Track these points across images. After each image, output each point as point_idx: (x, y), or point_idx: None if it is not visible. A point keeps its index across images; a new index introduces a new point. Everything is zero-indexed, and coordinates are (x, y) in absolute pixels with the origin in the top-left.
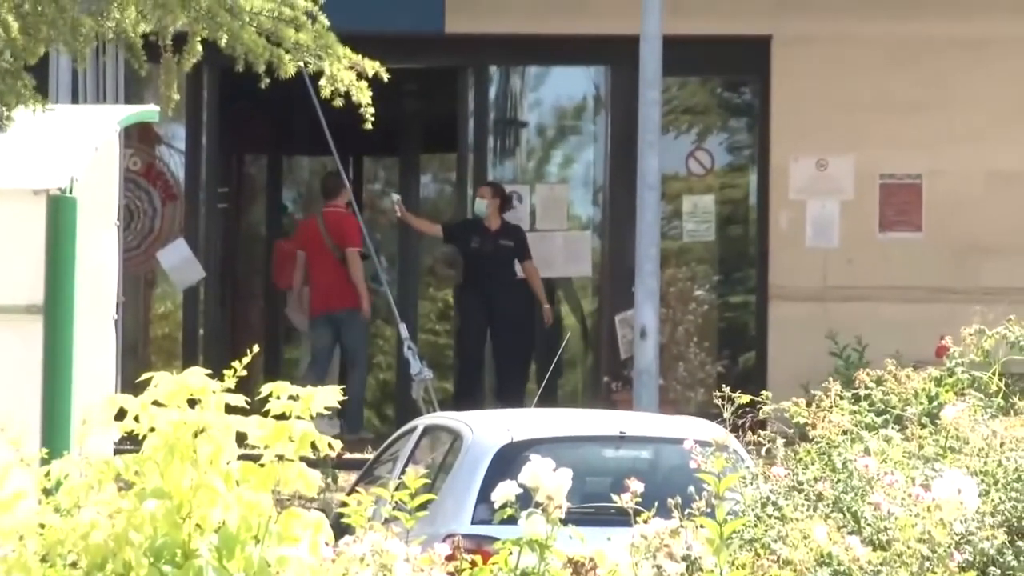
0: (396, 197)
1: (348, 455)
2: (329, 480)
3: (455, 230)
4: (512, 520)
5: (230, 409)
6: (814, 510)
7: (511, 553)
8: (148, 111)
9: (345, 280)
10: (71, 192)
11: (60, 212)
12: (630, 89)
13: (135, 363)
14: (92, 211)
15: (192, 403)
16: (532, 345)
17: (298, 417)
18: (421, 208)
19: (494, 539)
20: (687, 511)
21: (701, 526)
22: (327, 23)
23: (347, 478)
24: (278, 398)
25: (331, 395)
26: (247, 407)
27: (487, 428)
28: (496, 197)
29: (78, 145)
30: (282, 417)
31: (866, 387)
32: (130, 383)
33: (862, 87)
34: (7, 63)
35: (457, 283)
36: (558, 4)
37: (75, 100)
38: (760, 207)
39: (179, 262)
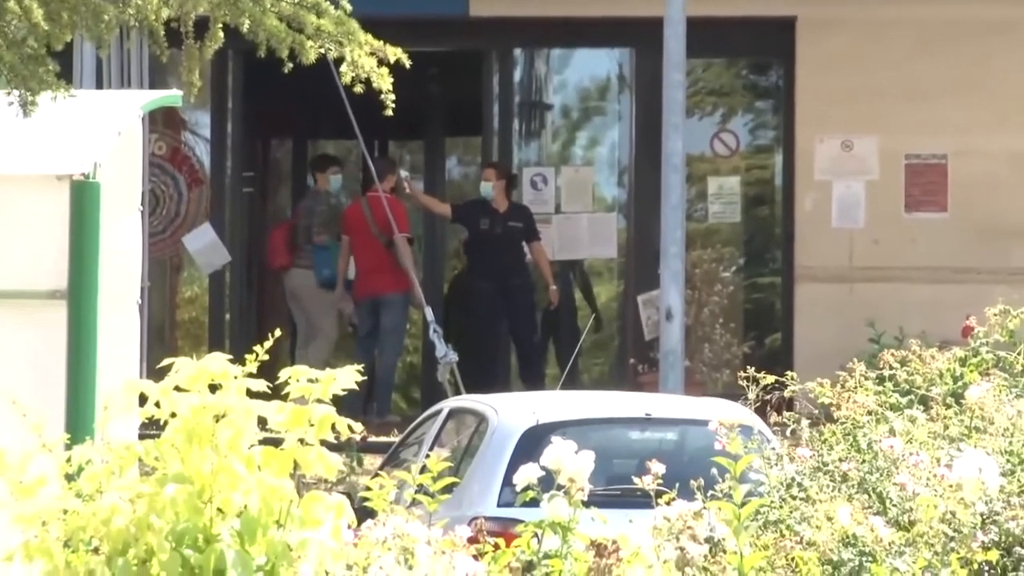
0: (404, 174)
1: (373, 438)
2: (354, 463)
3: (463, 211)
4: (535, 503)
5: (251, 394)
6: (839, 491)
7: (534, 536)
8: (171, 96)
9: (390, 265)
10: (94, 177)
11: (83, 197)
12: (655, 71)
13: (161, 347)
14: (116, 196)
15: (214, 388)
16: (549, 325)
17: (318, 400)
18: (447, 192)
19: (519, 522)
20: (710, 493)
21: (720, 508)
22: (349, 8)
23: (373, 461)
24: (297, 381)
25: (350, 377)
26: (269, 392)
27: (512, 411)
28: (502, 178)
29: (101, 130)
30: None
31: (891, 367)
32: (156, 368)
33: (887, 68)
34: (31, 48)
35: (465, 264)
36: None
37: (99, 85)
38: (785, 188)
39: (205, 246)
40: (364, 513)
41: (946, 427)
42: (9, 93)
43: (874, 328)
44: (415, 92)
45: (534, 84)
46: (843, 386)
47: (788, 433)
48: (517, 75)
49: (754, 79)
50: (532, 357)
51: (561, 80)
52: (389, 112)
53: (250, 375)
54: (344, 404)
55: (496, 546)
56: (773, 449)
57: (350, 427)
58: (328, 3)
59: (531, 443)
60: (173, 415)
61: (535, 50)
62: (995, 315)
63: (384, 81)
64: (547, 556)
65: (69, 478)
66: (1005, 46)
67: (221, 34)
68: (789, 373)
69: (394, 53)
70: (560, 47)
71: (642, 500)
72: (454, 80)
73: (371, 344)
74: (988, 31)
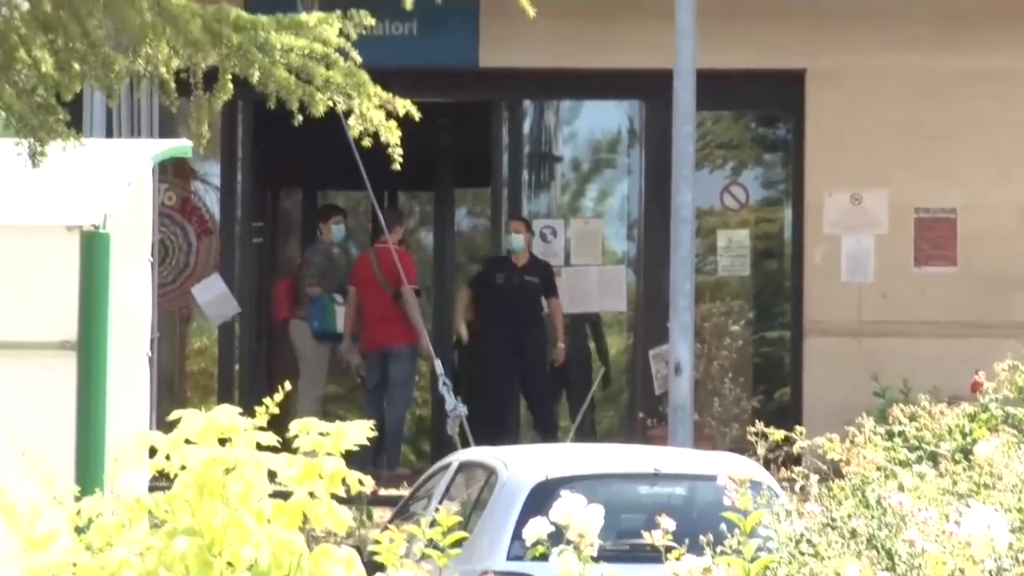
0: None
1: (383, 492)
2: (364, 517)
3: (480, 280)
4: (544, 557)
5: (261, 447)
6: (848, 547)
7: None
8: (181, 146)
9: (398, 317)
10: (104, 228)
11: (93, 248)
12: (664, 123)
13: (171, 399)
14: (126, 247)
15: (223, 441)
16: (561, 379)
17: (328, 454)
18: (456, 243)
19: None
20: (719, 548)
21: (729, 564)
22: (359, 60)
23: (383, 515)
24: (308, 435)
25: (362, 431)
26: (279, 445)
27: (522, 464)
28: (530, 231)
29: (111, 180)
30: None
31: (900, 423)
32: (166, 420)
33: (896, 122)
34: (40, 98)
35: (480, 317)
36: (591, 39)
37: (109, 135)
38: (795, 242)
39: (214, 297)
40: (374, 567)
41: (955, 483)
42: (18, 143)
43: (878, 381)
44: (425, 143)
45: (544, 136)
46: (852, 441)
47: (797, 488)
48: (527, 126)
49: (763, 132)
50: (544, 410)
51: (571, 132)
52: (397, 166)
53: (260, 428)
54: (354, 457)
55: None
56: (782, 504)
57: (360, 481)
58: (338, 55)
59: (541, 497)
60: (183, 468)
61: (545, 102)
62: (1004, 371)
63: (392, 135)
64: None
65: (79, 531)
66: (1015, 99)
67: (231, 85)
68: (798, 428)
69: (403, 106)
70: (569, 99)
71: (652, 555)
72: (464, 131)
73: (380, 396)
74: (996, 84)
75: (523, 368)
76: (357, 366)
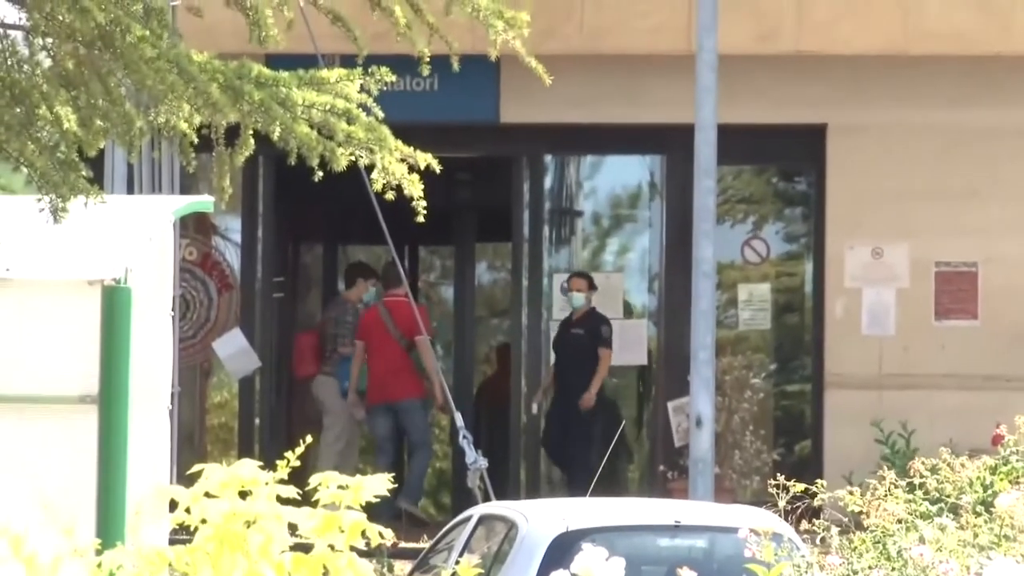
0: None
1: (404, 544)
2: (385, 570)
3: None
4: None
5: (282, 500)
6: None
7: None
8: (203, 202)
9: (408, 369)
10: (126, 282)
11: (115, 302)
12: (685, 177)
13: (191, 452)
14: (147, 301)
15: (244, 494)
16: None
17: (348, 507)
18: (476, 297)
19: None
20: None
21: None
22: (380, 115)
23: (403, 567)
24: (327, 488)
25: (381, 484)
26: (299, 498)
27: (542, 517)
28: (592, 288)
29: (132, 235)
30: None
31: (921, 475)
32: (186, 473)
33: (917, 175)
34: (62, 154)
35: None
36: (612, 94)
37: (130, 190)
38: (816, 295)
39: (235, 352)
40: None
41: (976, 535)
42: (40, 199)
43: (881, 429)
44: (446, 197)
45: (564, 190)
46: (873, 494)
47: (818, 541)
48: (548, 181)
49: (784, 186)
50: (575, 463)
51: (592, 186)
52: (420, 219)
53: (280, 481)
54: (374, 509)
55: None
56: (803, 557)
57: (380, 533)
58: (359, 110)
59: (561, 550)
60: (203, 521)
61: (565, 156)
62: None
63: (415, 188)
64: None
65: None
66: None
67: (252, 141)
68: (819, 481)
69: (424, 159)
70: (590, 153)
71: None
72: (484, 186)
73: (391, 448)
74: (1018, 139)
75: (575, 420)
76: (361, 420)
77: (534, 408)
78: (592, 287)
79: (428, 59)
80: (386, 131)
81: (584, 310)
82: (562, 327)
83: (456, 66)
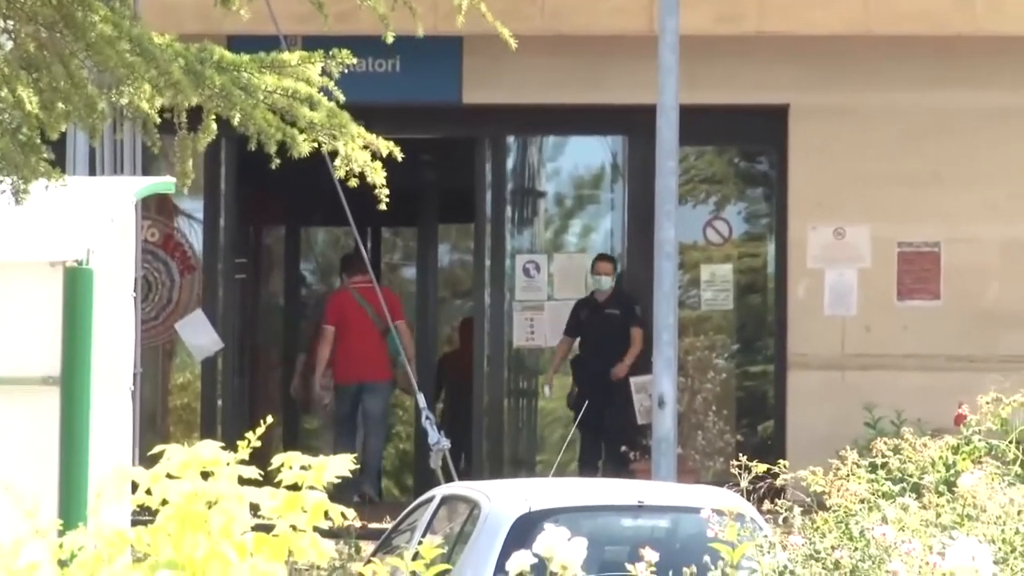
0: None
1: (372, 525)
2: (351, 550)
3: (573, 323)
4: None
5: (243, 480)
6: None
7: None
8: (164, 183)
9: (381, 352)
10: (87, 264)
11: (76, 284)
12: (647, 159)
13: (154, 434)
14: (109, 282)
15: (206, 475)
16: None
17: (311, 487)
18: (439, 278)
19: None
20: None
21: None
22: (342, 99)
23: (369, 548)
24: (290, 468)
25: (344, 464)
26: (261, 478)
27: (505, 497)
28: (616, 270)
29: (94, 217)
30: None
31: (883, 455)
32: (148, 454)
33: (879, 156)
34: (24, 136)
35: (575, 355)
36: (575, 75)
37: (92, 172)
38: (778, 276)
39: (197, 333)
40: None
41: (939, 515)
42: (1, 181)
43: (871, 413)
44: (408, 179)
45: (527, 171)
46: (835, 474)
47: (780, 521)
48: (510, 162)
49: (747, 167)
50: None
51: (554, 167)
52: (383, 206)
53: (242, 462)
54: (336, 491)
55: None
56: (765, 537)
57: (343, 514)
58: (321, 95)
59: (524, 530)
60: (165, 502)
61: (528, 137)
62: (987, 403)
63: (378, 175)
64: None
65: (62, 564)
66: (996, 134)
67: (214, 126)
68: (781, 461)
69: (387, 146)
70: (553, 135)
71: None
72: (447, 167)
73: (353, 427)
74: (979, 119)
75: (605, 402)
76: (327, 403)
77: (547, 391)
78: (616, 268)
79: (391, 32)
80: (347, 117)
81: (610, 291)
82: (591, 309)
83: (420, 31)
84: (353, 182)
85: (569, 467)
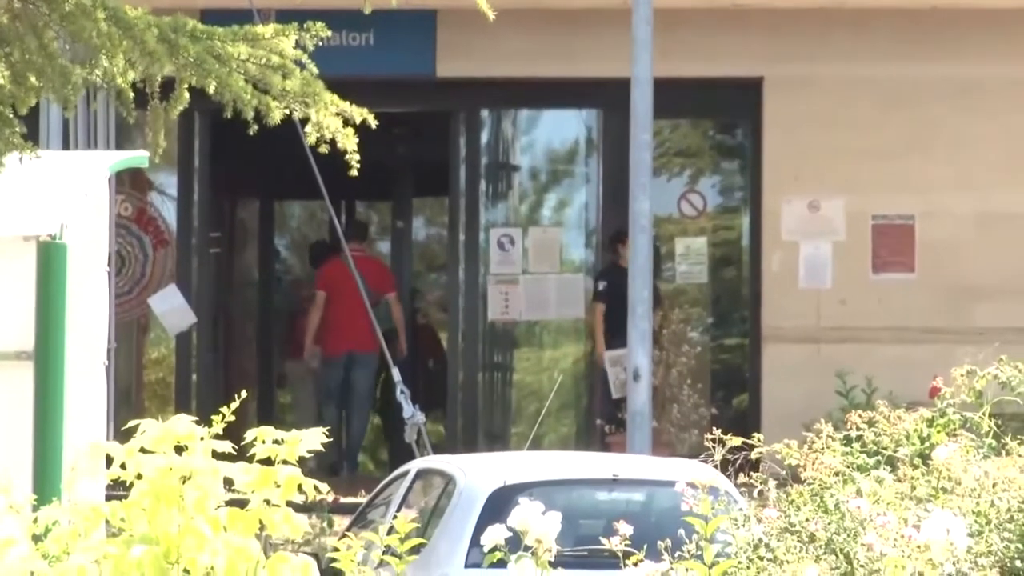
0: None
1: (347, 499)
2: (325, 524)
3: (607, 285)
4: (503, 564)
5: (217, 455)
6: (806, 551)
7: None
8: (138, 157)
9: (369, 323)
10: (61, 238)
11: (50, 258)
12: (622, 132)
13: (128, 408)
14: (82, 257)
15: (180, 450)
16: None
17: (284, 462)
18: (413, 252)
19: None
20: (677, 554)
21: (688, 569)
22: (315, 70)
23: (343, 522)
24: (263, 443)
25: (317, 438)
26: (235, 453)
27: (480, 471)
28: None
29: (68, 191)
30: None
31: (858, 428)
32: (122, 429)
33: (854, 129)
34: None
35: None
36: (549, 48)
37: (66, 146)
38: (753, 249)
39: (171, 308)
40: (332, 574)
41: (913, 488)
42: None
43: (844, 382)
44: (382, 152)
45: (501, 145)
46: (810, 447)
47: (755, 494)
48: (484, 136)
49: (721, 139)
50: None
51: (528, 141)
52: (354, 172)
53: (216, 436)
54: (313, 463)
55: None
56: (740, 510)
57: (316, 487)
58: (295, 66)
59: (498, 504)
60: (139, 476)
61: (502, 111)
62: (962, 376)
63: (349, 141)
64: None
65: (36, 539)
66: (971, 106)
67: (187, 95)
68: (756, 435)
69: (360, 113)
70: (527, 108)
71: (610, 561)
72: (421, 141)
73: (338, 399)
74: (954, 92)
75: None
76: (314, 368)
77: (609, 365)
78: None
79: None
80: (321, 85)
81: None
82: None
83: (395, 2)
84: (324, 148)
85: (544, 441)
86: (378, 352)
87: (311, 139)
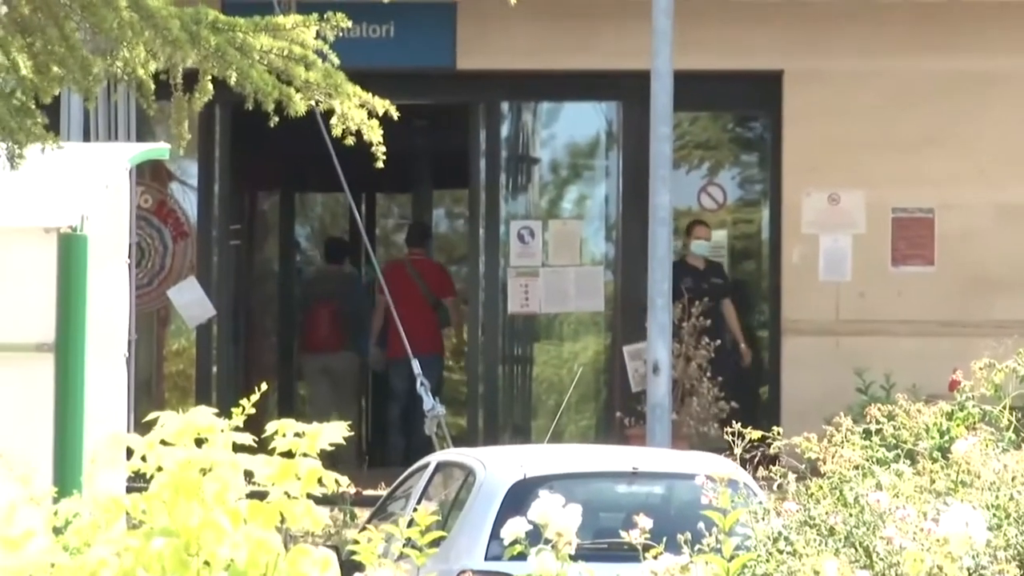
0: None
1: (370, 492)
2: (347, 517)
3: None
4: (523, 556)
5: (238, 447)
6: (826, 545)
7: None
8: (159, 149)
9: (435, 325)
10: (82, 230)
11: (71, 250)
12: (642, 124)
13: (148, 400)
14: (103, 249)
15: (200, 442)
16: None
17: (304, 455)
18: (433, 244)
19: (507, 575)
20: (696, 547)
21: (707, 562)
22: (337, 62)
23: (365, 515)
24: (284, 435)
25: (338, 431)
26: (255, 445)
27: (500, 464)
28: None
29: (89, 183)
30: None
31: (877, 422)
32: (143, 421)
33: (874, 121)
34: (18, 101)
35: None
36: (569, 41)
37: (87, 138)
38: (772, 241)
39: (190, 300)
40: (352, 567)
41: (933, 481)
42: None
43: (862, 378)
44: (402, 145)
45: (521, 137)
46: (830, 440)
47: (775, 487)
48: (504, 128)
49: (741, 132)
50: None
51: (549, 133)
52: (380, 164)
53: (237, 429)
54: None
55: None
56: (760, 503)
57: (337, 481)
58: (316, 56)
59: (519, 497)
60: (159, 469)
61: (522, 103)
62: (981, 369)
63: (374, 133)
64: None
65: (56, 531)
66: (990, 99)
67: (210, 86)
68: (775, 428)
69: (383, 105)
70: (547, 100)
71: (629, 554)
72: (441, 133)
73: (406, 399)
74: (973, 84)
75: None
76: (379, 366)
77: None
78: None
79: None
80: (343, 77)
81: (703, 257)
82: (694, 278)
83: None
84: (349, 140)
85: (564, 433)
86: (441, 354)
87: (337, 131)
